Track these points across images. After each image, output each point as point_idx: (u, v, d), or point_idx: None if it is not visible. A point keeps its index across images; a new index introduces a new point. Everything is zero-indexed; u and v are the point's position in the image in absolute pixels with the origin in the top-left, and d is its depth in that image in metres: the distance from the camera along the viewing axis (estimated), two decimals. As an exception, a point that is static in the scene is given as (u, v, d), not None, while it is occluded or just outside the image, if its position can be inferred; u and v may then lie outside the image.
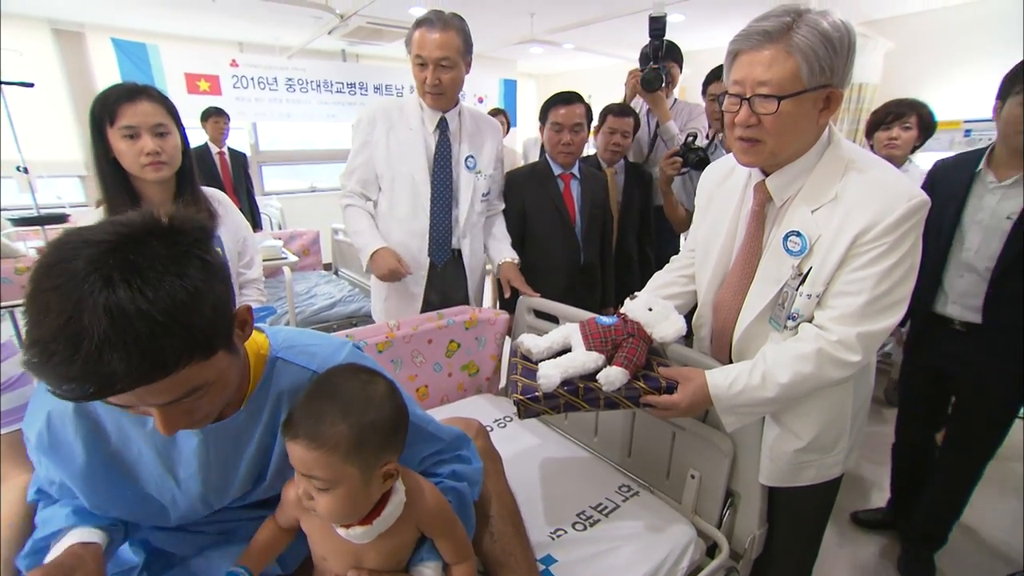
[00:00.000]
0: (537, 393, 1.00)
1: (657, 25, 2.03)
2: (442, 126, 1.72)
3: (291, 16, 4.48)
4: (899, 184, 0.90)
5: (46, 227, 3.36)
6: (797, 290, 0.96)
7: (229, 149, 3.99)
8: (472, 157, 1.77)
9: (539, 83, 8.29)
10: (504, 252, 1.84)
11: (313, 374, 0.78)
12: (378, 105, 1.74)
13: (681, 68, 2.41)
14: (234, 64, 4.80)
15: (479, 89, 6.32)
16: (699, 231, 1.19)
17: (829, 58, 0.85)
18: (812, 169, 0.96)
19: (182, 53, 4.58)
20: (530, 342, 1.11)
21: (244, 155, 4.16)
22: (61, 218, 3.52)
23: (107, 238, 0.53)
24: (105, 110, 1.21)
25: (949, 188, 1.51)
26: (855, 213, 0.90)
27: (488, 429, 1.28)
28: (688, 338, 1.25)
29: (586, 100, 2.11)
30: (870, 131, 2.16)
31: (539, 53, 6.64)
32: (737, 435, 1.11)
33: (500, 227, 1.92)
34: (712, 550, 1.17)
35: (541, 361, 1.06)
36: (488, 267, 1.99)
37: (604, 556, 1.06)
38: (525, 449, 1.42)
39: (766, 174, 1.01)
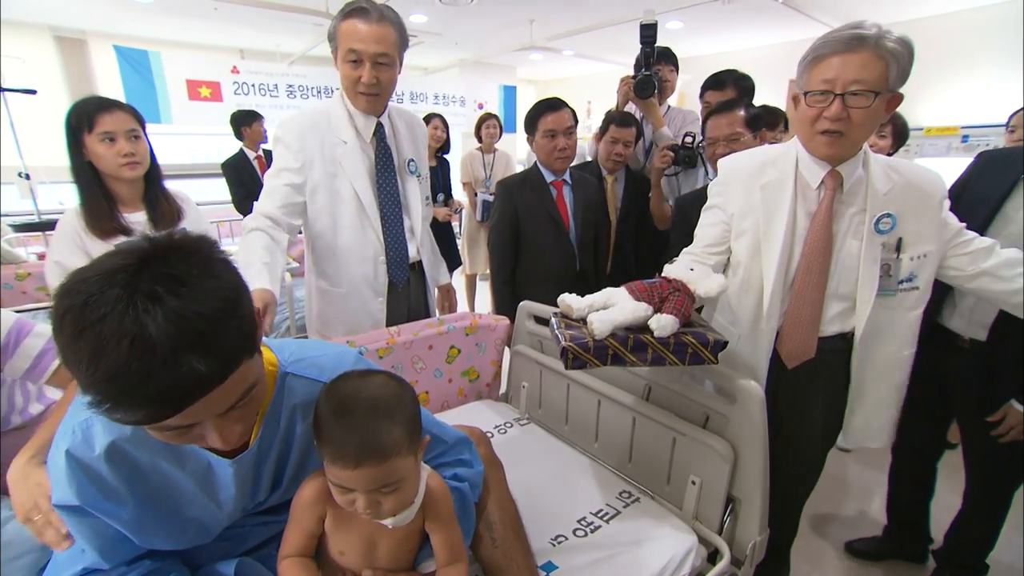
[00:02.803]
0: (587, 341, 0.99)
1: (648, 32, 2.06)
2: (379, 133, 1.53)
3: (292, 23, 4.51)
4: (922, 166, 1.18)
5: (47, 233, 3.37)
6: (898, 258, 1.12)
7: (265, 151, 3.76)
8: (413, 161, 1.62)
9: (538, 89, 8.34)
10: (445, 273, 1.85)
11: (324, 386, 0.79)
12: (302, 118, 1.48)
13: (678, 74, 2.43)
14: (235, 71, 4.83)
15: (479, 95, 6.35)
16: (739, 224, 1.22)
17: (908, 65, 1.01)
18: (865, 160, 1.12)
19: (184, 60, 4.61)
20: (571, 300, 1.11)
21: None
22: (62, 224, 3.52)
23: (127, 262, 0.53)
24: (83, 118, 1.37)
25: (986, 188, 1.37)
26: (923, 196, 1.12)
27: (489, 435, 1.28)
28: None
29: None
30: None
31: (538, 59, 6.68)
32: (737, 441, 1.12)
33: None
34: (713, 556, 1.16)
35: (583, 318, 1.05)
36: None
37: (605, 563, 1.06)
38: (526, 455, 1.41)
39: (832, 165, 1.11)
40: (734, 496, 1.15)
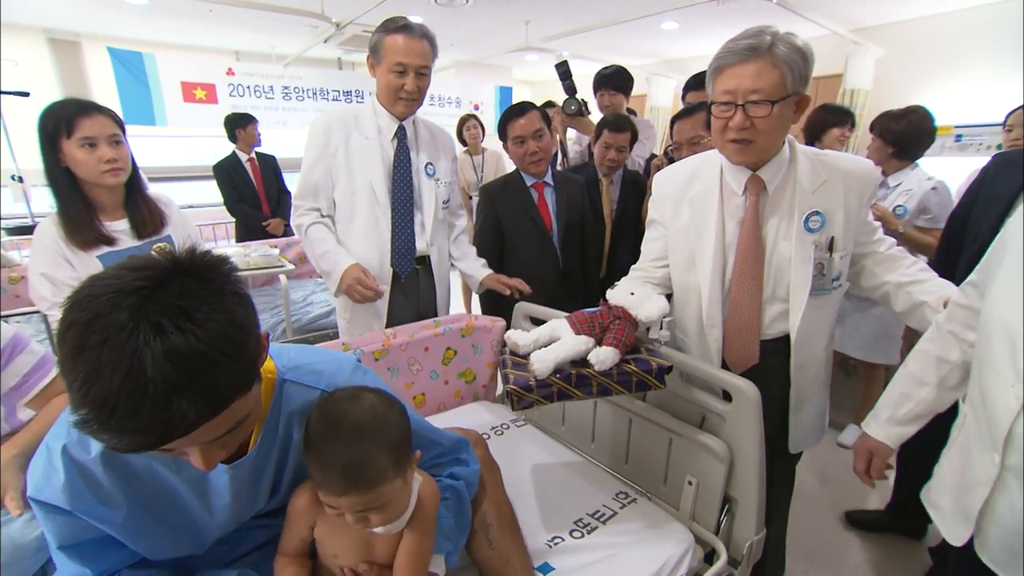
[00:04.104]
0: (530, 382, 0.99)
1: (562, 68, 2.41)
2: (400, 134, 1.69)
3: (287, 25, 4.50)
4: (857, 158, 1.18)
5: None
6: (831, 257, 1.12)
7: (257, 153, 3.70)
8: (431, 164, 1.75)
9: (535, 90, 8.34)
10: (482, 269, 1.86)
11: (322, 392, 0.79)
12: (333, 113, 1.67)
13: (628, 95, 2.64)
14: (230, 72, 4.82)
15: (475, 96, 6.35)
16: (673, 238, 1.25)
17: (805, 68, 1.02)
18: (791, 161, 1.13)
19: (178, 62, 4.59)
20: (516, 336, 1.12)
21: (273, 158, 3.81)
22: (56, 227, 3.50)
23: (142, 284, 0.52)
24: (61, 122, 1.29)
25: (997, 188, 1.38)
26: (851, 186, 1.12)
27: (485, 437, 1.28)
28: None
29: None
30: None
31: (534, 60, 6.68)
32: (733, 441, 1.12)
33: (472, 248, 1.92)
34: (710, 556, 1.16)
35: (530, 353, 1.06)
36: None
37: (602, 564, 1.06)
38: (522, 456, 1.41)
39: (752, 170, 1.12)
40: (731, 496, 1.15)
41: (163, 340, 0.50)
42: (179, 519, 0.75)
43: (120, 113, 1.42)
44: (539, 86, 8.35)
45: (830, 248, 1.12)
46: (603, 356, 1.00)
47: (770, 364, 1.19)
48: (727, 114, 1.05)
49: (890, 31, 4.62)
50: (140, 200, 1.45)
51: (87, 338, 0.50)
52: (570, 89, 2.43)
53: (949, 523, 0.90)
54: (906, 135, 2.08)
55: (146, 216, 1.45)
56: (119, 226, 1.42)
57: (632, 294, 1.09)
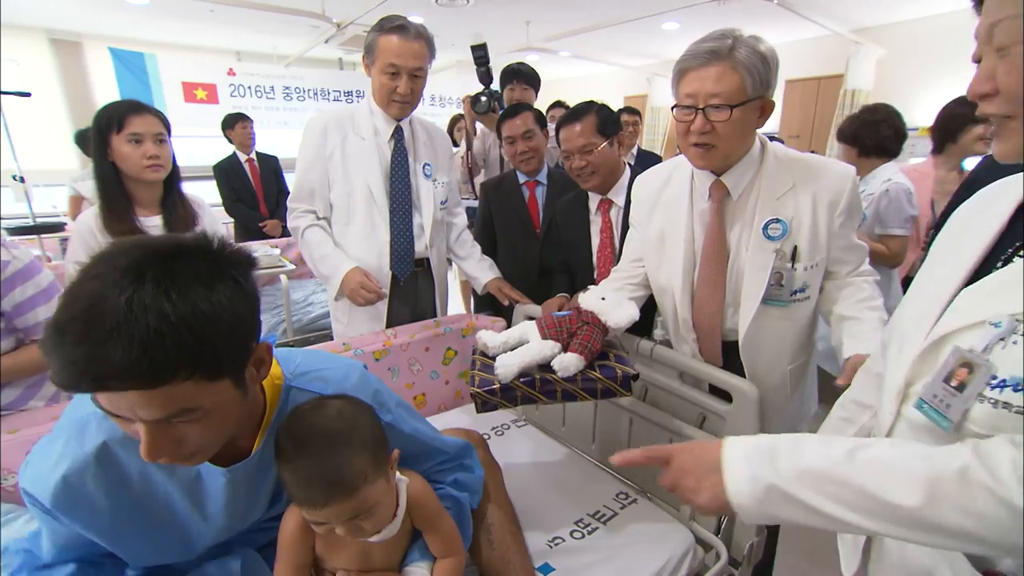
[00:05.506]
0: (494, 386, 0.99)
1: (479, 53, 2.24)
2: (397, 135, 1.66)
3: (288, 25, 4.51)
4: (834, 162, 1.11)
5: (43, 236, 3.36)
6: (792, 268, 1.08)
7: (257, 154, 3.69)
8: (429, 165, 1.74)
9: (535, 90, 8.33)
10: (487, 271, 1.85)
11: (280, 429, 0.78)
12: (328, 114, 1.64)
13: (537, 92, 2.58)
14: (231, 73, 4.83)
15: (475, 96, 6.34)
16: (647, 241, 1.26)
17: (766, 73, 1.00)
18: (758, 166, 1.11)
19: (179, 62, 4.60)
20: (487, 337, 1.12)
21: (275, 158, 3.78)
22: (57, 227, 3.51)
23: (159, 245, 0.56)
24: (114, 118, 1.40)
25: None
26: (820, 193, 1.07)
27: (486, 437, 1.28)
28: (643, 331, 1.37)
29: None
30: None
31: (535, 60, 6.69)
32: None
33: (476, 247, 1.91)
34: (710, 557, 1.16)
35: (498, 355, 1.06)
36: (454, 279, 1.97)
37: (602, 564, 1.06)
38: (523, 456, 1.41)
39: (717, 175, 1.11)
40: (731, 496, 1.15)
41: (135, 288, 0.51)
42: (167, 526, 0.74)
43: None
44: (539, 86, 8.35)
45: (793, 258, 1.08)
46: (567, 363, 1.00)
47: (735, 367, 1.19)
48: (688, 118, 1.04)
49: (891, 31, 4.62)
50: (176, 199, 1.53)
51: (90, 269, 0.54)
52: (485, 76, 2.29)
53: (847, 548, 0.79)
54: (858, 132, 2.04)
55: (180, 214, 1.52)
56: (153, 222, 1.49)
57: (603, 299, 1.09)
